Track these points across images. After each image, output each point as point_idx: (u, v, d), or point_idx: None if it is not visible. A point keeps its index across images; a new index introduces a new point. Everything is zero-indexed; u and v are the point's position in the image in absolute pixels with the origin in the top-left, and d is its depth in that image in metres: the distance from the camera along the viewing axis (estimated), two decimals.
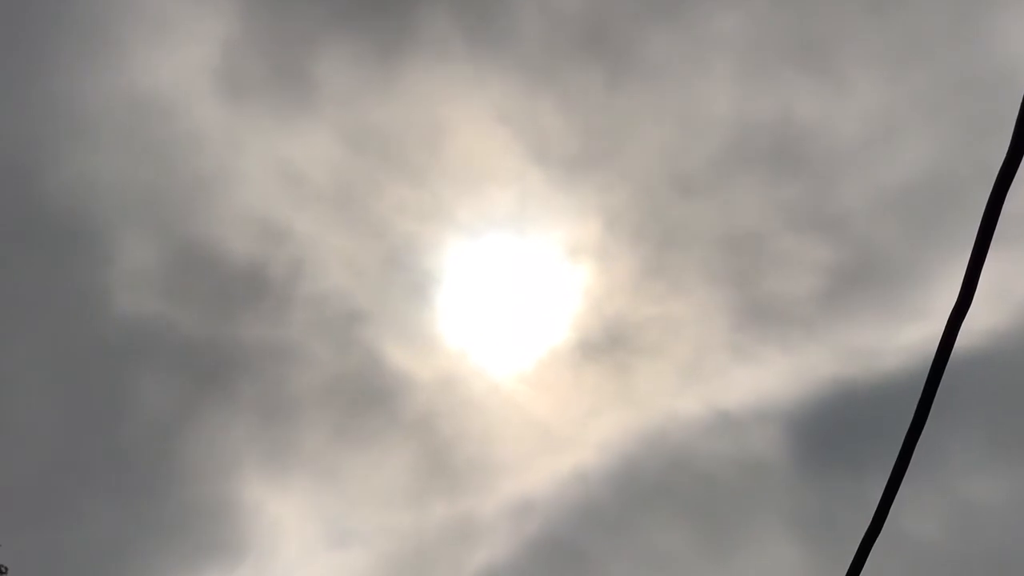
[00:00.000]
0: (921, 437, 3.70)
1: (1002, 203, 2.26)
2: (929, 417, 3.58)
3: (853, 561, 3.61)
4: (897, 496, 3.86)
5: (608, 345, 26.39)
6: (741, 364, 25.60)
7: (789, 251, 25.00)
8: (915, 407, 3.06)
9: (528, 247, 25.57)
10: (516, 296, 26.81)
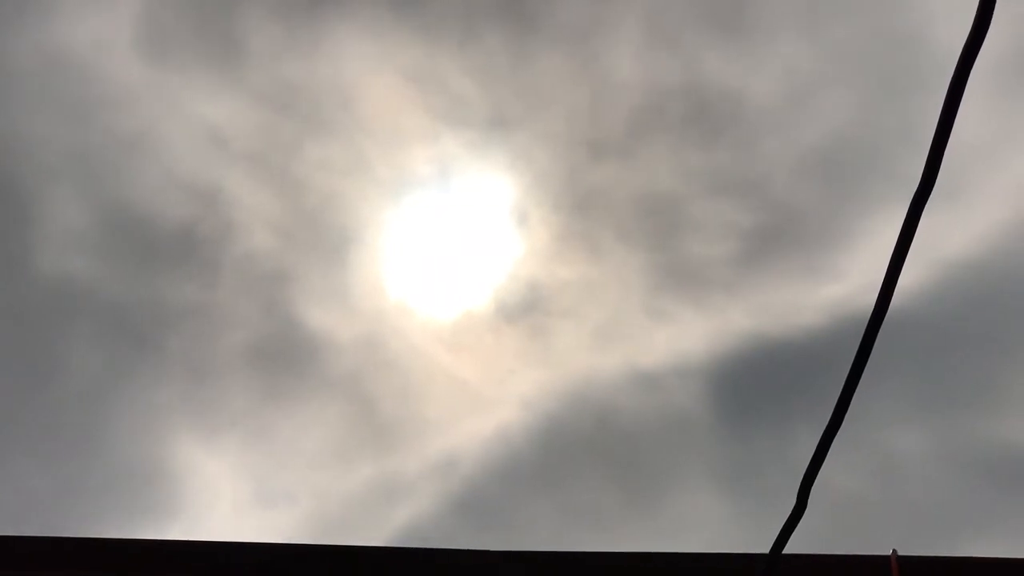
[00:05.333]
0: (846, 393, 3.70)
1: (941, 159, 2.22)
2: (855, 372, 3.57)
3: (808, 468, 3.59)
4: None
5: (526, 308, 26.51)
6: (660, 325, 26.02)
7: (706, 214, 25.38)
8: (853, 355, 3.05)
9: (445, 211, 25.69)
10: (434, 257, 27.07)
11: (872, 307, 3.18)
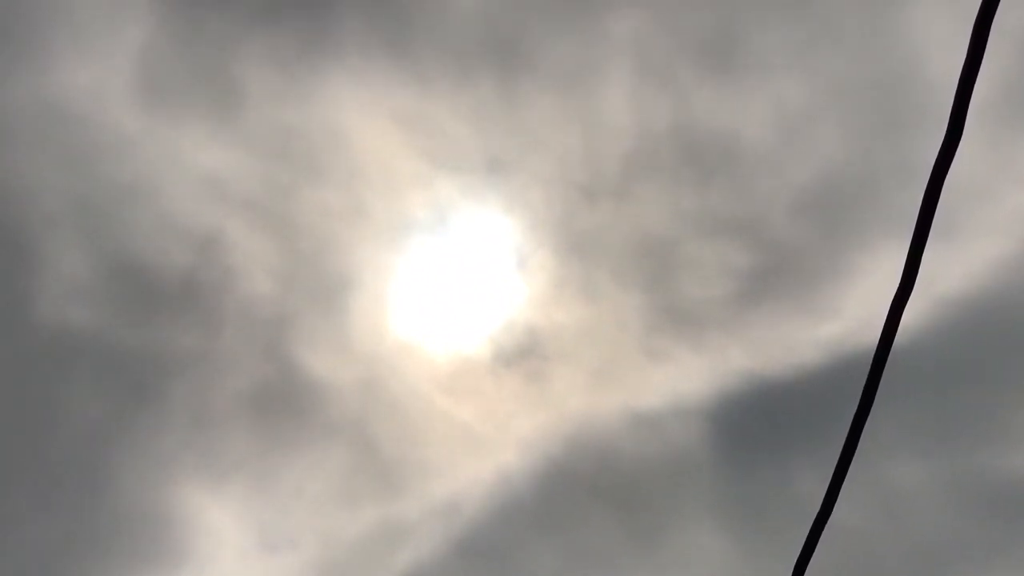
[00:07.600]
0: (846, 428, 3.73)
1: (939, 195, 2.30)
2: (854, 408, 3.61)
3: (801, 553, 3.65)
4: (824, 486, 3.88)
5: (525, 351, 26.64)
6: (658, 366, 26.12)
7: (701, 255, 25.53)
8: (859, 396, 3.11)
9: (443, 255, 25.91)
10: (432, 301, 27.25)
11: (868, 366, 3.24)
